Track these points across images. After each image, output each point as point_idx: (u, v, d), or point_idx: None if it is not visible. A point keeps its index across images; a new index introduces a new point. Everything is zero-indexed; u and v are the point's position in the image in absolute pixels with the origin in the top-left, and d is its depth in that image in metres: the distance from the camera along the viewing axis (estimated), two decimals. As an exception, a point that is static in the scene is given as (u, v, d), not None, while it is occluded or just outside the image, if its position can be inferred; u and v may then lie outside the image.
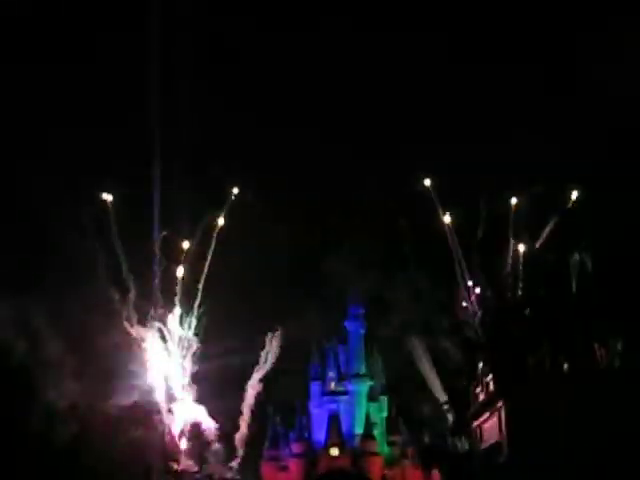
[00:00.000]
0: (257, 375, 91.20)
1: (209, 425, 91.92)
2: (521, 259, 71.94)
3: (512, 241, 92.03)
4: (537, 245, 48.33)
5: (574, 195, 53.20)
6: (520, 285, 50.89)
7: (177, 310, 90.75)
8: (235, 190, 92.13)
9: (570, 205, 45.84)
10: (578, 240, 42.12)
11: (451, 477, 59.56)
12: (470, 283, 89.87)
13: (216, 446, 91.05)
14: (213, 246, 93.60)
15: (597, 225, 40.88)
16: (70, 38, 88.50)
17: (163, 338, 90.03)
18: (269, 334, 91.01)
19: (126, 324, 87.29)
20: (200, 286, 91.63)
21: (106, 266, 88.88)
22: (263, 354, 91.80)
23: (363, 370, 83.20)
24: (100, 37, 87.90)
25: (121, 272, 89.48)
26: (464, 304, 57.05)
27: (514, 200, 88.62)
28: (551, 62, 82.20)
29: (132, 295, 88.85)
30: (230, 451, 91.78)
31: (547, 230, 46.04)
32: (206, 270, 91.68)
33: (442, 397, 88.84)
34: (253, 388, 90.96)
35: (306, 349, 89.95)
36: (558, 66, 78.10)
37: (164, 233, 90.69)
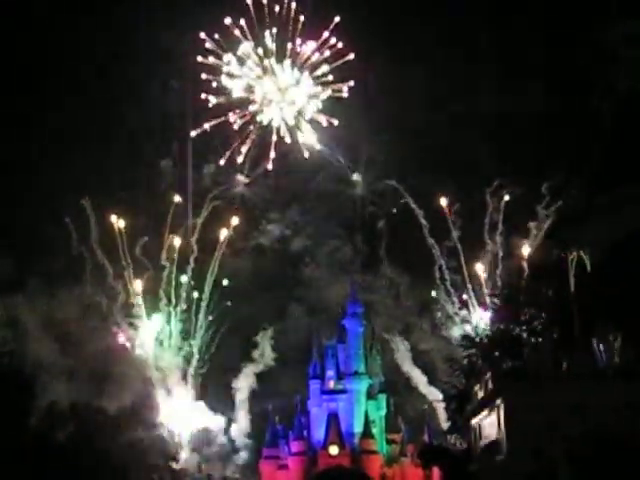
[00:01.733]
0: (249, 371, 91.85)
1: (212, 421, 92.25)
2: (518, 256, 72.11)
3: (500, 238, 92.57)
4: (536, 243, 48.34)
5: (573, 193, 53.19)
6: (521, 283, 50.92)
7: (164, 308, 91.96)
8: None
9: (570, 203, 45.84)
10: (577, 238, 42.07)
11: (451, 475, 59.49)
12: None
13: (221, 440, 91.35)
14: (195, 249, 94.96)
15: (596, 223, 40.81)
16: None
17: (157, 338, 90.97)
18: (260, 333, 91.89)
19: (115, 328, 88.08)
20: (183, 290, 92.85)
21: (92, 273, 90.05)
22: (257, 352, 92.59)
23: (362, 368, 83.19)
24: None
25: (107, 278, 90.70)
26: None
27: (507, 197, 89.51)
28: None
29: (120, 299, 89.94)
30: (231, 447, 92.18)
31: (545, 227, 46.02)
32: (190, 272, 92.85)
33: (429, 395, 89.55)
34: (246, 384, 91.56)
35: (305, 348, 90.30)
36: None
37: (145, 239, 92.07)
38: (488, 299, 68.92)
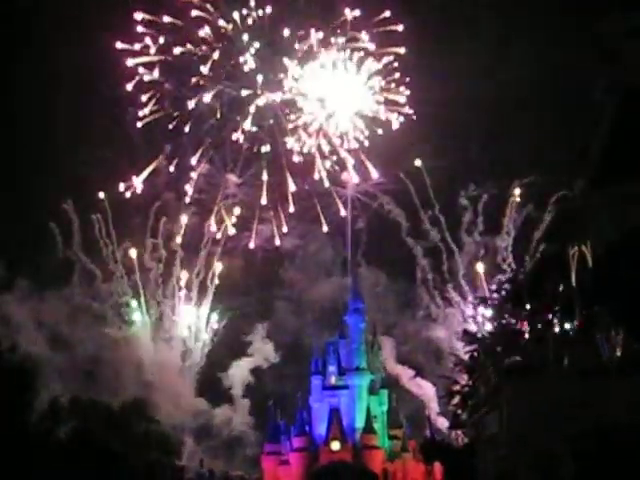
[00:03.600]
0: (245, 366, 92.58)
1: (213, 416, 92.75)
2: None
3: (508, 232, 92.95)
4: (537, 237, 48.29)
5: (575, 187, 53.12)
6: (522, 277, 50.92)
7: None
8: None
9: (570, 197, 45.73)
10: (578, 232, 42.03)
11: (453, 470, 59.64)
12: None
13: (224, 433, 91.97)
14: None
15: (597, 218, 40.75)
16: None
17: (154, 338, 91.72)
18: (254, 330, 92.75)
19: (108, 329, 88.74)
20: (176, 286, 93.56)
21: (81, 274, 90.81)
22: (253, 348, 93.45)
23: (363, 364, 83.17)
24: None
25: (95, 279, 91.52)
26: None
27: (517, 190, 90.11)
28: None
29: (112, 299, 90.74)
30: (235, 440, 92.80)
31: (547, 222, 45.94)
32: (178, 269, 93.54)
33: (421, 390, 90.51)
34: (244, 379, 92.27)
35: (306, 344, 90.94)
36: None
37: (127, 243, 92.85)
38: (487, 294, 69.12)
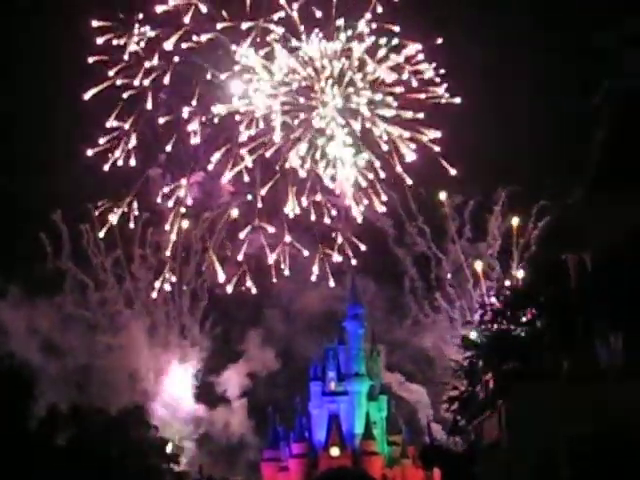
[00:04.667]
0: (242, 371, 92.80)
1: (212, 422, 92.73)
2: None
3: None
4: (534, 242, 48.24)
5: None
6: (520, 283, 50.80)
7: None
8: None
9: (568, 202, 45.66)
10: (577, 238, 41.96)
11: (452, 476, 59.45)
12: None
13: (224, 439, 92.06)
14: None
15: (596, 221, 40.67)
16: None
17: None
18: (247, 335, 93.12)
19: (101, 336, 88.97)
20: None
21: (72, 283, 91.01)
22: (250, 355, 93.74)
23: (363, 370, 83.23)
24: None
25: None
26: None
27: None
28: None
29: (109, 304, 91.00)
30: (236, 445, 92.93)
31: (540, 227, 45.90)
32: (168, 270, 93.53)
33: (413, 394, 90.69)
34: (242, 384, 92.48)
35: (299, 351, 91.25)
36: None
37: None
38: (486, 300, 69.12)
